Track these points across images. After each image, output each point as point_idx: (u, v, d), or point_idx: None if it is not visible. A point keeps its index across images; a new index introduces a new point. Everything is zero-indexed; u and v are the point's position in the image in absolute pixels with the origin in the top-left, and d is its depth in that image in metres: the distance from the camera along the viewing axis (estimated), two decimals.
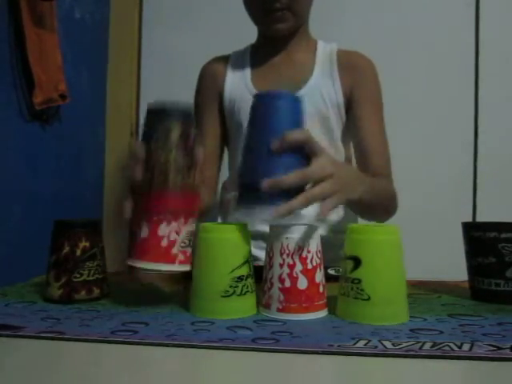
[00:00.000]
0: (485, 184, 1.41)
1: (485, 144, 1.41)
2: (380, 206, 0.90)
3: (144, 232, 0.55)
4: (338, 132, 1.01)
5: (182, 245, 0.56)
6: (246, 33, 1.51)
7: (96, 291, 0.64)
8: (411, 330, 0.50)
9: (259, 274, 0.60)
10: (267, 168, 0.57)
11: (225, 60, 1.08)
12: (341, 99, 1.00)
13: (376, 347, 0.44)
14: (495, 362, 0.41)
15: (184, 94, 1.58)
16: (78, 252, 0.63)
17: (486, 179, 1.41)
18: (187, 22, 1.51)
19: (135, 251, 0.56)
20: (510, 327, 0.51)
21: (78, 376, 0.40)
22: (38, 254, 1.08)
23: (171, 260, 0.56)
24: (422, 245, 1.25)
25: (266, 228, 0.62)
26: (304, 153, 0.61)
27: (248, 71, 1.04)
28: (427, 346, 0.45)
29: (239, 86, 1.02)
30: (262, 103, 0.61)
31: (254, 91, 0.99)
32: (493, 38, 1.41)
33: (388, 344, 0.45)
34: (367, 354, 0.43)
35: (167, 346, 0.46)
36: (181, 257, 0.56)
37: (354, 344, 0.45)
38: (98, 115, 1.44)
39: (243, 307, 0.57)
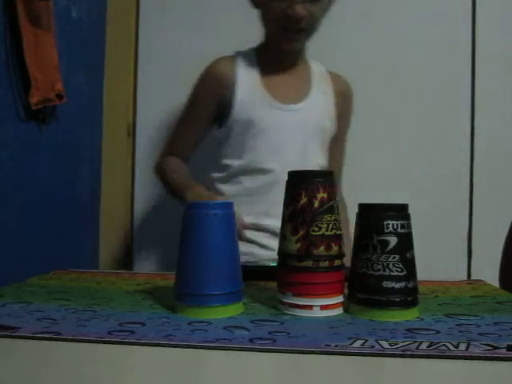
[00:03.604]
0: (481, 183, 1.41)
1: (481, 144, 1.42)
2: None
3: None
4: (327, 144, 1.13)
5: None
6: (244, 33, 1.51)
7: (335, 248, 0.58)
8: (408, 330, 0.50)
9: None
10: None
11: (232, 62, 1.10)
12: (333, 118, 1.13)
13: (373, 347, 0.44)
14: (492, 362, 0.42)
15: (181, 94, 1.59)
16: (316, 204, 0.58)
17: (482, 179, 1.41)
18: (184, 22, 1.51)
19: None
20: (506, 327, 0.51)
21: (75, 376, 0.40)
22: (35, 255, 1.08)
23: None
24: (419, 244, 1.25)
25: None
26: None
27: (258, 76, 1.08)
28: (424, 345, 0.45)
29: (252, 91, 1.06)
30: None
31: (268, 96, 1.05)
32: (489, 37, 1.42)
33: (385, 344, 0.45)
34: (364, 354, 0.43)
35: (164, 346, 0.46)
36: None
37: (351, 344, 0.45)
38: (94, 115, 1.43)
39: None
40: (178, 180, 1.05)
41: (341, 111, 1.14)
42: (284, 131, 1.05)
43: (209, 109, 1.08)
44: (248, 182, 1.05)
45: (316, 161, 1.09)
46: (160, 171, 1.12)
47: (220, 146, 1.09)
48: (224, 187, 1.08)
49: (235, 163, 1.06)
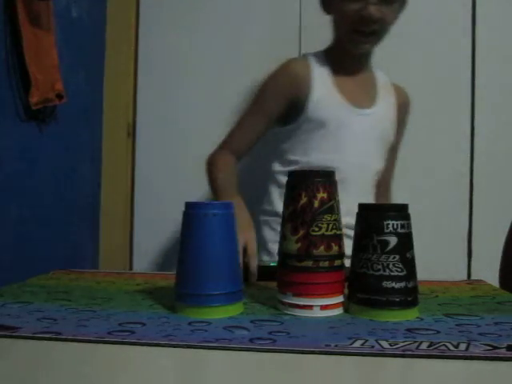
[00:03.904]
0: (481, 183, 1.41)
1: (481, 144, 1.42)
2: None
3: None
4: (386, 153, 1.17)
5: None
6: (244, 33, 1.51)
7: (335, 248, 0.58)
8: (408, 330, 0.50)
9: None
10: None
11: (306, 63, 1.11)
12: (394, 127, 1.17)
13: (373, 347, 0.44)
14: (492, 362, 0.42)
15: (180, 94, 1.59)
16: (316, 204, 0.58)
17: (482, 179, 1.41)
18: (184, 22, 1.51)
19: None
20: (506, 327, 0.51)
21: (75, 376, 0.40)
22: (35, 255, 1.08)
23: None
24: (419, 244, 1.25)
25: None
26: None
27: (332, 79, 1.09)
28: (424, 345, 0.45)
29: (327, 92, 1.08)
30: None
31: (342, 99, 1.07)
32: (489, 37, 1.42)
33: (385, 344, 0.45)
34: (364, 354, 0.43)
35: (164, 346, 0.46)
36: None
37: (351, 344, 0.45)
38: (94, 115, 1.43)
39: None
40: (221, 182, 1.06)
41: (399, 122, 1.18)
42: (353, 134, 1.08)
43: (278, 107, 1.09)
44: None
45: (376, 166, 1.13)
46: (210, 165, 1.12)
47: (286, 141, 1.11)
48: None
49: (302, 159, 1.08)
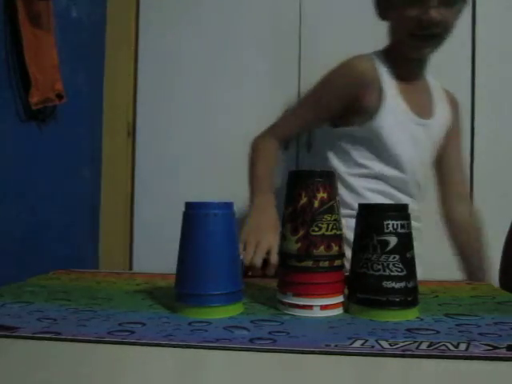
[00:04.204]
0: (481, 183, 1.41)
1: (481, 144, 1.42)
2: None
3: None
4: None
5: None
6: (244, 33, 1.51)
7: (335, 248, 0.58)
8: (408, 330, 0.50)
9: None
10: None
11: (372, 65, 1.07)
12: (445, 135, 1.15)
13: (373, 347, 0.44)
14: (492, 362, 0.42)
15: (180, 94, 1.59)
16: (316, 204, 0.58)
17: (482, 179, 1.41)
18: (184, 21, 1.51)
19: None
20: (506, 327, 0.51)
21: (75, 376, 0.40)
22: (35, 255, 1.08)
23: None
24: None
25: None
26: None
27: (397, 85, 1.06)
28: (424, 345, 0.45)
29: (395, 99, 1.05)
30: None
31: (407, 107, 1.05)
32: (489, 37, 1.42)
33: (385, 344, 0.45)
34: (364, 354, 0.43)
35: (164, 346, 0.46)
36: None
37: (351, 344, 0.45)
38: (94, 115, 1.43)
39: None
40: (258, 173, 1.04)
41: (453, 127, 1.17)
42: (413, 144, 1.07)
43: (336, 104, 1.06)
44: (382, 185, 1.07)
45: (422, 177, 1.12)
46: (252, 150, 1.10)
47: (354, 144, 1.08)
48: (357, 182, 1.08)
49: (374, 166, 1.06)
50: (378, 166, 1.07)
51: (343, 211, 1.11)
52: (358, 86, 1.04)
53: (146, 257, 1.51)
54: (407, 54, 1.06)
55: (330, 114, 1.09)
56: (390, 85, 1.05)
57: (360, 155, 1.07)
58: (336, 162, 1.10)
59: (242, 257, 0.68)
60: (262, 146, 1.10)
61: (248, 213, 0.94)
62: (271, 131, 1.12)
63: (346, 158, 1.09)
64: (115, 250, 1.49)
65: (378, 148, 1.05)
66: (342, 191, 1.08)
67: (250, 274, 0.81)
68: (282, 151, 1.12)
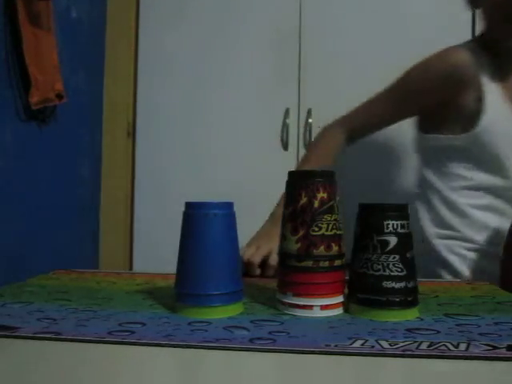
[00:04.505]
0: None
1: None
2: None
3: None
4: None
5: None
6: (244, 33, 1.51)
7: (335, 248, 0.58)
8: (408, 330, 0.50)
9: None
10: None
11: (471, 59, 0.95)
12: None
13: (373, 347, 0.44)
14: (492, 362, 0.42)
15: (180, 94, 1.59)
16: (316, 204, 0.57)
17: None
18: (184, 21, 1.51)
19: None
20: (506, 327, 0.51)
21: (75, 376, 0.40)
22: (35, 255, 1.08)
23: None
24: None
25: None
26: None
27: (498, 84, 0.97)
28: (424, 345, 0.45)
29: (499, 101, 0.96)
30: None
31: (510, 112, 0.96)
32: None
33: (385, 344, 0.45)
34: (364, 354, 0.43)
35: (164, 346, 0.46)
36: None
37: (351, 344, 0.45)
38: (94, 115, 1.43)
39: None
40: (308, 166, 0.95)
41: None
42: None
43: (427, 100, 0.98)
44: (488, 198, 0.96)
45: None
46: (315, 139, 1.02)
47: (453, 152, 0.98)
48: (459, 199, 0.96)
49: (475, 176, 0.96)
50: (478, 176, 0.96)
51: (444, 232, 0.95)
52: (455, 82, 0.94)
53: (145, 257, 1.51)
54: (503, 42, 0.96)
55: (416, 109, 1.00)
56: (490, 83, 0.95)
57: (457, 165, 0.97)
58: (430, 175, 1.00)
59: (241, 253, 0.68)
60: (323, 136, 1.00)
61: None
62: (341, 121, 1.02)
63: (442, 169, 0.98)
64: (115, 250, 1.49)
65: (479, 156, 0.95)
66: (440, 208, 0.97)
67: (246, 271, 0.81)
68: (345, 146, 1.01)
